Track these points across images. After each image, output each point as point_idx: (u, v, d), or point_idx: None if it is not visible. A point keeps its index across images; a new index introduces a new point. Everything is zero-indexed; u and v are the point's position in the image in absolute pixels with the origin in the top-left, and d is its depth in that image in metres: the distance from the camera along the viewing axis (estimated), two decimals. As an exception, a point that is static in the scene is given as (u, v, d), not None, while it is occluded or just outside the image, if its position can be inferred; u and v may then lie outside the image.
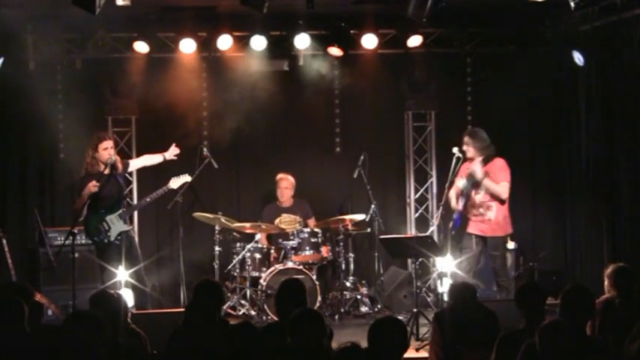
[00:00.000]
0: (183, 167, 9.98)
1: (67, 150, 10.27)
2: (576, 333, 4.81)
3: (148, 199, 9.22)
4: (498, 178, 9.27)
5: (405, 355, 4.88)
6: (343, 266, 9.88)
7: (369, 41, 10.25)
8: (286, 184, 10.26)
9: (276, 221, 10.10)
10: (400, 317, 8.89)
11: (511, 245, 10.41)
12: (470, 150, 9.35)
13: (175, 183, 9.27)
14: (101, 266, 8.94)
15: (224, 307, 9.07)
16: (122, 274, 8.76)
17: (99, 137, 8.97)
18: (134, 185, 10.60)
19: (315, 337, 4.84)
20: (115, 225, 8.95)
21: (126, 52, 10.24)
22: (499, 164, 9.36)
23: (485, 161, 9.31)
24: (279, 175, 10.28)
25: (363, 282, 10.15)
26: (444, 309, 8.28)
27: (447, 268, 9.24)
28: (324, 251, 9.79)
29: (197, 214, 9.90)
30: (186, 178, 9.34)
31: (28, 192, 10.49)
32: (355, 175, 9.99)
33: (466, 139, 9.44)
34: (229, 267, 9.77)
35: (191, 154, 10.01)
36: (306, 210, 10.34)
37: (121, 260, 8.78)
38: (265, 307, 9.21)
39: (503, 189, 9.23)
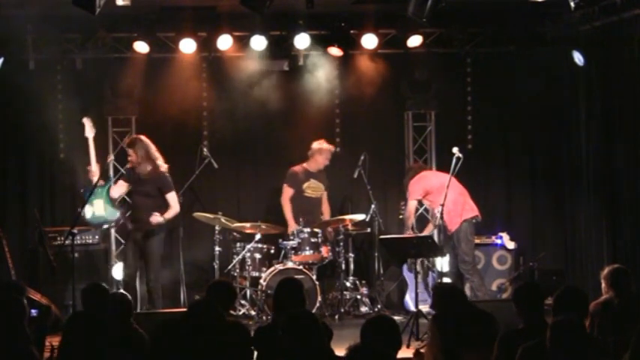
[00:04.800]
0: (183, 167, 10.00)
1: (67, 150, 10.25)
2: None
3: None
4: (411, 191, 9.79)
5: (405, 355, 4.87)
6: (343, 266, 9.88)
7: (369, 41, 10.24)
8: (328, 156, 10.06)
9: (304, 186, 10.00)
10: (400, 317, 8.98)
11: (511, 245, 10.41)
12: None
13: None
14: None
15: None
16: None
17: (128, 144, 9.12)
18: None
19: (310, 340, 4.74)
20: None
21: (126, 52, 10.24)
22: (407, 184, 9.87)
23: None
24: (325, 146, 10.03)
25: (363, 282, 10.15)
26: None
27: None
28: (324, 251, 9.78)
29: (197, 214, 9.90)
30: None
31: (28, 192, 10.48)
32: (355, 175, 9.99)
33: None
34: (229, 267, 9.77)
35: (191, 154, 10.02)
36: (326, 180, 10.20)
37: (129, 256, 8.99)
38: (265, 307, 9.21)
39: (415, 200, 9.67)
